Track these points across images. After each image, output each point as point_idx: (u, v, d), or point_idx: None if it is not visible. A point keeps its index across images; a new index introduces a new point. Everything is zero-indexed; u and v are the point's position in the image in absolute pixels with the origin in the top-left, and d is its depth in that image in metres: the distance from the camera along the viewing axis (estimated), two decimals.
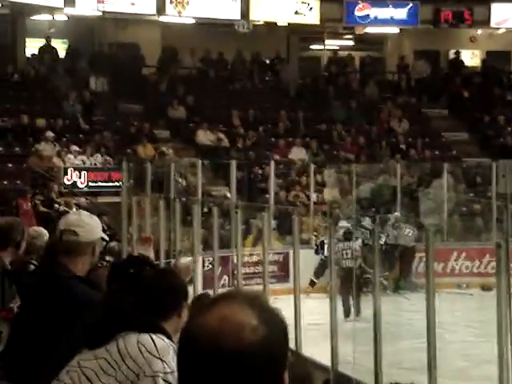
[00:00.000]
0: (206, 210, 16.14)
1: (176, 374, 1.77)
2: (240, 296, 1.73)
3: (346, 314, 14.21)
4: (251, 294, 1.75)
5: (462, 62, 26.92)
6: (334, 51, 27.49)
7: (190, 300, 3.62)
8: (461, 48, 27.50)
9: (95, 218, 4.45)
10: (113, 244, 10.42)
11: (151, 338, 3.08)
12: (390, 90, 25.93)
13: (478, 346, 12.20)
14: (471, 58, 27.83)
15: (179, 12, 23.58)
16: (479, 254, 18.73)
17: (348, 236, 16.04)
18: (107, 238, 4.91)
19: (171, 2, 23.42)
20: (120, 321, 3.13)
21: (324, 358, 9.82)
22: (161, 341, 3.08)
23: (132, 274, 3.67)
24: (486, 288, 16.83)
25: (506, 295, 7.27)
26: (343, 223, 17.39)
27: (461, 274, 19.00)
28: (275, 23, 24.69)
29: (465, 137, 24.65)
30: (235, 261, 13.88)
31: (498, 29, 26.08)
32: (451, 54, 27.47)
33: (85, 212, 4.70)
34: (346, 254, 15.40)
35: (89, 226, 4.21)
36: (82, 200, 18.32)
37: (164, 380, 2.99)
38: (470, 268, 19.08)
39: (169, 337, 3.14)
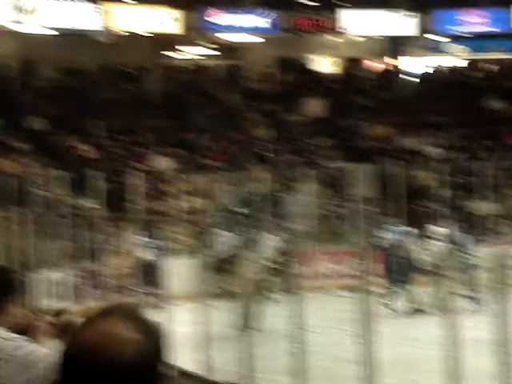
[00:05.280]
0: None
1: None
2: (117, 310, 1.75)
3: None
4: (127, 307, 1.77)
5: (320, 68, 27.52)
6: (197, 60, 27.62)
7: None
8: (319, 55, 28.12)
9: None
10: None
11: None
12: (253, 98, 26.23)
13: (346, 346, 12.49)
14: (330, 64, 28.50)
15: (31, 21, 22.93)
16: (344, 257, 19.18)
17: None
18: None
19: (21, 11, 22.77)
20: None
21: (198, 368, 9.84)
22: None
23: None
24: (351, 289, 17.24)
25: (370, 296, 7.48)
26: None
27: (326, 277, 19.39)
28: (137, 33, 24.59)
29: (327, 142, 25.19)
30: (103, 272, 13.76)
31: (355, 36, 26.80)
32: (310, 61, 28.06)
33: None
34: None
35: None
36: None
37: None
38: (336, 270, 19.50)
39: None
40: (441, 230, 18.03)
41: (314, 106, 25.65)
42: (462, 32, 26.64)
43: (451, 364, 6.78)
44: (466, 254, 17.02)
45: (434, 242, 16.75)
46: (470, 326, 12.29)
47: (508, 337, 6.50)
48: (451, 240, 17.36)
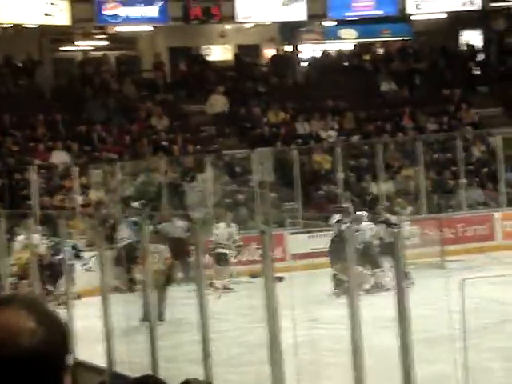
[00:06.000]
0: None
1: None
2: (16, 300, 1.70)
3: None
4: (28, 297, 1.73)
5: (213, 57, 27.50)
6: (88, 51, 27.23)
7: None
8: (212, 43, 28.10)
9: None
10: None
11: None
12: (147, 88, 26.05)
13: (251, 331, 12.56)
14: (223, 52, 28.51)
15: None
16: (246, 243, 19.25)
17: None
18: None
19: None
20: None
21: (101, 361, 9.76)
22: None
23: None
24: (253, 275, 17.33)
25: (272, 279, 7.49)
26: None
27: (230, 264, 19.43)
28: (23, 25, 24.03)
29: (224, 130, 25.22)
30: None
31: (246, 23, 26.85)
32: (203, 50, 28.03)
33: None
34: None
35: None
36: None
37: None
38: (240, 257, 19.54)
39: None
40: (364, 213, 18.17)
41: (215, 100, 25.59)
42: (350, 16, 26.99)
43: (354, 342, 6.88)
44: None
45: (365, 224, 16.89)
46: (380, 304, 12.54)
47: (407, 314, 6.63)
48: (381, 220, 17.56)
